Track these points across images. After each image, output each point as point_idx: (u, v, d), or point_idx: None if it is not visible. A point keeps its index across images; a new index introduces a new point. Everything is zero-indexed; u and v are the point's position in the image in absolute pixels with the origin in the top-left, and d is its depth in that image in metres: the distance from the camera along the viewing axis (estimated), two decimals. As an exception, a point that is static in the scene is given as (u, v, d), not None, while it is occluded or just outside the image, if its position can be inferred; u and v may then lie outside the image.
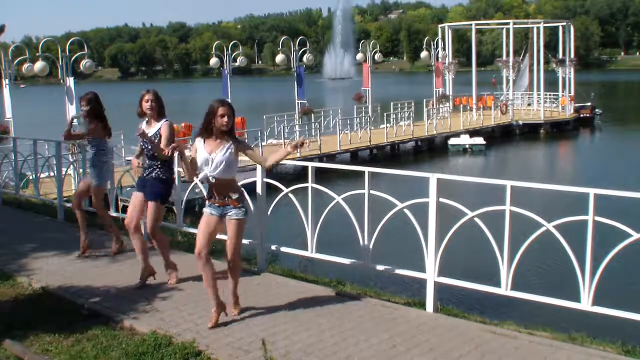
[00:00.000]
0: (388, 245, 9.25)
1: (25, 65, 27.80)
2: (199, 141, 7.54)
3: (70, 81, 25.60)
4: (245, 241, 9.96)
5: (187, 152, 7.79)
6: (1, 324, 7.72)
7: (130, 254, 10.34)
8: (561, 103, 54.85)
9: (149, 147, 8.86)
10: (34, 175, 15.82)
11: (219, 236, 8.17)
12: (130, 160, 10.82)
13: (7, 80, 26.65)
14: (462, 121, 45.21)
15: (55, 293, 8.89)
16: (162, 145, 8.65)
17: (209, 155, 7.40)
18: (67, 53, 26.21)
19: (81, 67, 28.26)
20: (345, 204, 8.79)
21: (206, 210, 7.65)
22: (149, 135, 8.87)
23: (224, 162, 7.38)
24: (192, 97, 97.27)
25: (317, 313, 7.82)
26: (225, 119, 7.37)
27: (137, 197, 9.19)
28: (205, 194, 7.97)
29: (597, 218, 6.76)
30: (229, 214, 7.58)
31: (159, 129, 8.95)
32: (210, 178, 7.42)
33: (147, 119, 9.11)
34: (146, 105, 8.97)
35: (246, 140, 29.62)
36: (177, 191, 10.73)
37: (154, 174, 9.01)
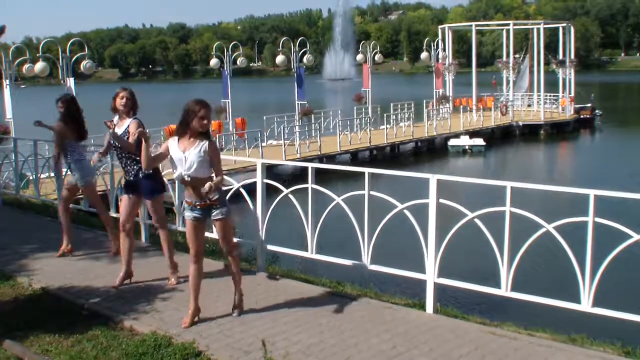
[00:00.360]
0: (388, 246, 9.25)
1: (26, 66, 27.79)
2: (172, 140, 7.53)
3: (71, 82, 25.60)
4: (245, 241, 10.00)
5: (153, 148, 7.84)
6: (1, 325, 7.73)
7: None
8: (561, 104, 54.85)
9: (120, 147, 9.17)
10: (34, 176, 15.83)
11: (211, 235, 8.19)
12: None
13: (7, 80, 26.64)
14: (462, 122, 45.19)
15: (56, 293, 8.90)
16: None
17: (182, 153, 7.37)
18: (68, 54, 26.19)
19: (81, 67, 28.23)
20: (345, 204, 8.80)
21: (189, 214, 7.61)
22: (120, 133, 9.09)
23: (197, 161, 7.33)
24: (192, 98, 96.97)
25: (317, 314, 7.82)
26: (205, 121, 7.38)
27: (127, 199, 9.39)
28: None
29: (597, 219, 6.76)
30: (214, 214, 7.58)
31: (128, 126, 9.15)
32: (186, 177, 7.37)
33: (118, 116, 9.36)
34: (121, 102, 9.24)
35: (245, 141, 29.65)
36: (176, 192, 10.76)
37: (140, 174, 9.13)
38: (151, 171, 8.95)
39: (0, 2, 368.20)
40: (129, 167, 9.22)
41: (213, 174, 7.43)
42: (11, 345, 7.08)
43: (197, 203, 7.51)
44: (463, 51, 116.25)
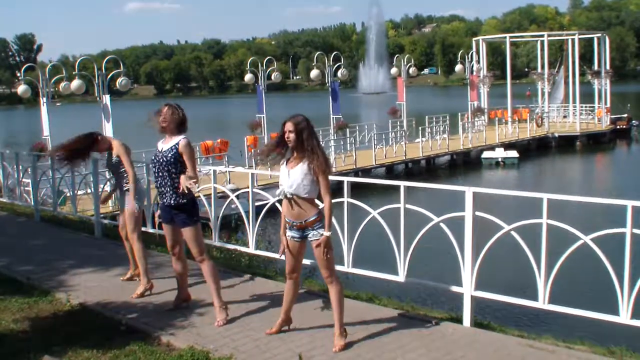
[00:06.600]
0: (424, 259, 9.24)
1: (62, 84, 28.09)
2: (283, 162, 7.32)
3: (107, 99, 25.77)
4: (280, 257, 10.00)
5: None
6: (40, 340, 7.80)
7: (167, 271, 10.31)
8: (597, 115, 54.42)
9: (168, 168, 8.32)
10: (71, 192, 15.99)
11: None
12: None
13: (44, 98, 26.93)
14: (498, 134, 44.95)
15: (94, 309, 8.97)
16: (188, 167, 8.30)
17: (287, 171, 7.20)
18: (103, 71, 26.40)
19: (117, 84, 28.37)
20: (381, 218, 8.77)
21: (288, 233, 7.37)
22: (166, 149, 8.34)
23: (298, 179, 7.09)
24: (227, 113, 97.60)
25: (353, 328, 7.76)
26: (287, 135, 7.11)
27: (167, 226, 8.67)
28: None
29: (635, 230, 6.70)
30: (309, 235, 7.27)
31: (177, 143, 8.37)
32: (288, 194, 7.16)
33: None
34: (158, 119, 8.38)
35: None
36: (212, 207, 10.81)
37: (173, 201, 8.36)
38: (186, 200, 8.30)
39: (38, 21, 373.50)
40: (163, 189, 8.38)
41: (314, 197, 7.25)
42: (50, 360, 7.14)
43: (295, 223, 7.30)
44: (497, 63, 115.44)
